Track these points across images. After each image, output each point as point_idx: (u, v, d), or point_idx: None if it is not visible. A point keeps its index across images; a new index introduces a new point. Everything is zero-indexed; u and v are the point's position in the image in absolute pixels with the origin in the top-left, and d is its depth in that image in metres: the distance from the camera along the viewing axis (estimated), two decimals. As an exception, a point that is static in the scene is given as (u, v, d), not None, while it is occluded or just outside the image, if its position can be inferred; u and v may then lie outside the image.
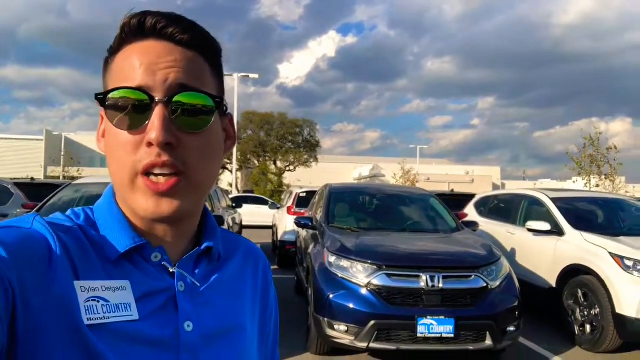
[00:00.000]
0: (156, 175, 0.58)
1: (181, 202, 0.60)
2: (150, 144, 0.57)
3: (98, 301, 0.57)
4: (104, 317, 0.56)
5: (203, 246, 0.69)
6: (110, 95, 0.59)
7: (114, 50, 0.62)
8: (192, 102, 0.60)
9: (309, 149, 42.12)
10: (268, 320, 0.80)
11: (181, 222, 0.64)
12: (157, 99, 0.58)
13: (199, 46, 0.63)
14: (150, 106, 0.58)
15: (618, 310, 4.60)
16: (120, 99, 0.58)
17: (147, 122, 0.58)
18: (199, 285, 0.66)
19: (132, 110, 0.58)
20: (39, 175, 34.24)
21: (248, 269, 0.77)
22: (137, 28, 0.60)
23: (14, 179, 11.76)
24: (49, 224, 0.59)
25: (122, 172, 0.59)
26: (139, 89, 0.58)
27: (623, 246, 4.88)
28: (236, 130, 0.73)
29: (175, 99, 0.58)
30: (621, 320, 4.58)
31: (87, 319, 0.55)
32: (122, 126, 0.58)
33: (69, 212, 0.66)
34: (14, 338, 0.51)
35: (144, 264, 0.63)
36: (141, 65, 0.59)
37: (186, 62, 0.60)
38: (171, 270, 0.65)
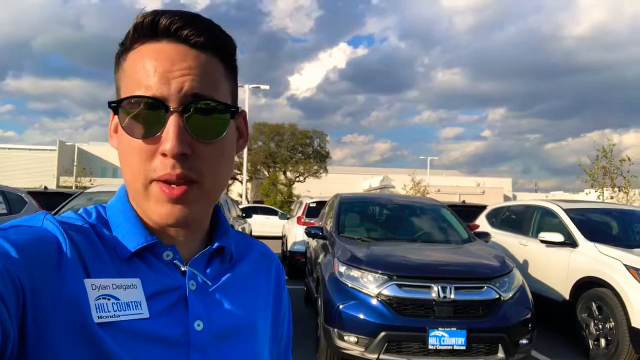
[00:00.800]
0: (170, 183, 0.58)
1: (194, 208, 0.60)
2: (164, 155, 0.57)
3: (109, 299, 0.56)
4: (114, 315, 0.56)
5: (215, 245, 0.68)
6: (124, 103, 0.59)
7: (126, 48, 0.62)
8: (207, 111, 0.59)
9: (319, 160, 42.16)
10: (280, 323, 0.79)
11: (193, 225, 0.65)
12: (171, 108, 0.57)
13: (214, 48, 0.62)
14: (164, 115, 0.57)
15: (634, 324, 4.51)
16: (134, 107, 0.58)
17: (161, 132, 0.57)
18: (210, 284, 0.66)
19: (146, 119, 0.58)
20: (51, 185, 34.66)
21: (261, 271, 0.77)
22: (150, 28, 0.59)
23: (27, 188, 11.91)
24: (59, 223, 0.59)
25: (136, 179, 0.59)
26: (153, 98, 0.57)
27: (638, 258, 4.80)
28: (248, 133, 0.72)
29: (190, 108, 0.58)
30: (637, 334, 4.48)
31: (98, 317, 0.55)
32: (135, 134, 0.58)
33: (81, 211, 0.66)
34: (24, 336, 0.51)
35: (156, 262, 0.63)
36: (155, 72, 0.58)
37: (201, 68, 0.59)
38: (182, 269, 0.64)
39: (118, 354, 0.54)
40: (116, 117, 0.62)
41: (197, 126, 0.58)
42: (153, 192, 0.59)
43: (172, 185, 0.58)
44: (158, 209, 0.59)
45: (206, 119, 0.59)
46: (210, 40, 0.61)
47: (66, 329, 0.52)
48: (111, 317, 0.56)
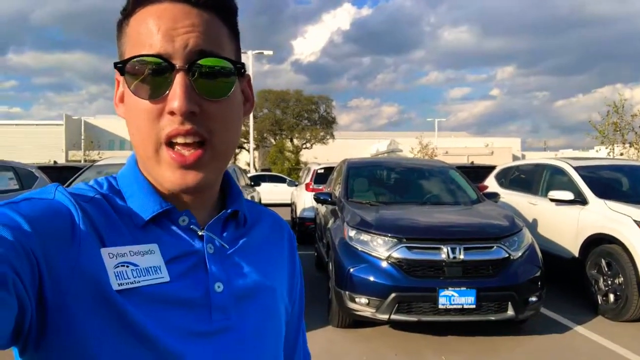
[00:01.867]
0: (180, 144, 0.58)
1: (206, 173, 0.60)
2: (172, 113, 0.57)
3: (127, 266, 0.57)
4: (134, 281, 0.57)
5: (229, 210, 0.69)
6: (129, 64, 0.58)
7: (127, 13, 0.61)
8: (213, 68, 0.59)
9: (325, 126, 41.94)
10: (295, 287, 0.81)
11: (205, 191, 0.65)
12: (177, 66, 0.57)
13: (216, 7, 0.61)
14: (170, 74, 0.57)
15: (643, 279, 4.54)
16: (139, 67, 0.57)
17: (168, 91, 0.57)
18: (227, 247, 0.67)
19: (152, 79, 0.57)
20: (61, 160, 34.91)
21: (274, 237, 0.78)
22: None
23: (37, 163, 12.02)
24: (71, 194, 0.59)
25: (146, 143, 0.59)
26: (158, 56, 0.57)
27: (649, 214, 4.78)
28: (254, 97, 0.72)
29: (196, 65, 0.57)
30: (646, 289, 4.52)
31: (118, 284, 0.55)
32: (142, 95, 0.58)
33: (91, 182, 0.66)
34: (44, 308, 0.52)
35: (173, 228, 0.64)
36: (159, 31, 0.57)
37: (204, 26, 0.59)
38: (200, 234, 0.65)
39: (140, 319, 0.55)
40: (121, 86, 0.62)
41: (204, 84, 0.58)
42: (164, 158, 0.59)
43: (183, 149, 0.58)
44: (170, 175, 0.59)
45: (213, 77, 0.59)
46: (212, 0, 0.60)
47: (86, 298, 0.53)
48: (131, 283, 0.56)
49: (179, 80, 0.57)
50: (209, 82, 0.58)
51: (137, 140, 0.61)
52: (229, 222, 0.70)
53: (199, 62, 0.58)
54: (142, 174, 0.65)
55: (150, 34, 0.58)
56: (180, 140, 0.58)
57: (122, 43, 0.62)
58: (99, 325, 0.53)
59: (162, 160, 0.59)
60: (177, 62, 0.57)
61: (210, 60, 0.58)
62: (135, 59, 0.58)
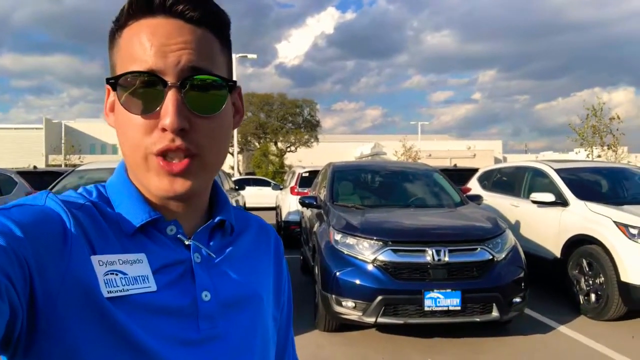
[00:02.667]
0: (170, 158, 0.59)
1: (194, 182, 0.61)
2: (164, 130, 0.57)
3: (116, 274, 0.57)
4: (123, 289, 0.57)
5: (217, 219, 0.70)
6: (121, 80, 0.58)
7: (120, 25, 0.61)
8: (205, 84, 0.59)
9: (309, 129, 41.96)
10: (282, 293, 0.82)
11: (193, 199, 0.65)
12: (169, 83, 0.57)
13: (209, 23, 0.62)
14: (162, 90, 0.57)
15: (623, 278, 4.64)
16: (131, 82, 0.58)
17: (159, 107, 0.57)
18: (214, 256, 0.67)
19: (144, 94, 0.58)
20: (41, 164, 34.29)
21: (261, 243, 0.78)
22: (145, 4, 0.59)
23: (17, 168, 11.79)
24: (62, 201, 0.59)
25: (135, 153, 0.60)
26: (150, 72, 0.57)
27: (628, 215, 4.89)
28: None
29: (188, 82, 0.58)
30: (626, 288, 4.62)
31: (107, 292, 0.56)
32: (134, 110, 0.58)
33: (80, 190, 0.66)
34: (34, 314, 0.52)
35: (160, 237, 0.64)
36: (152, 47, 0.58)
37: (197, 42, 0.59)
38: (187, 243, 0.65)
39: (129, 326, 0.56)
40: (111, 95, 0.62)
41: (195, 101, 0.59)
42: (153, 166, 0.59)
43: (173, 161, 0.58)
44: (158, 182, 0.60)
45: (204, 94, 0.59)
46: (205, 15, 0.61)
47: (76, 305, 0.53)
48: (120, 291, 0.57)
49: (170, 96, 0.57)
50: (201, 99, 0.59)
51: (126, 149, 0.61)
52: (215, 231, 0.70)
53: (191, 78, 0.58)
54: (131, 182, 0.65)
55: (143, 49, 0.58)
56: (171, 155, 0.59)
57: (113, 53, 0.62)
58: (90, 332, 0.54)
59: (151, 168, 0.59)
60: (169, 79, 0.57)
61: (202, 77, 0.59)
62: (127, 75, 0.58)
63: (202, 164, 0.61)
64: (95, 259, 0.57)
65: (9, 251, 0.49)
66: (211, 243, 0.69)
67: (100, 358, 0.54)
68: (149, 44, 0.58)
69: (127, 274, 0.58)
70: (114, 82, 0.59)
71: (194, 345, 0.61)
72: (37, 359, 0.53)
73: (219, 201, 0.72)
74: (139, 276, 0.59)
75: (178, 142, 0.58)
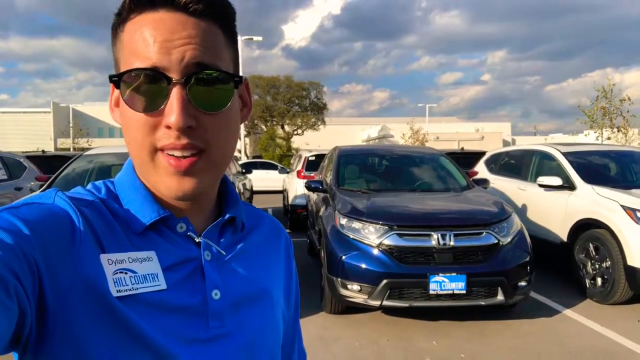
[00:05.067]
0: (177, 155, 0.58)
1: (202, 180, 0.60)
2: (169, 127, 0.56)
3: (126, 273, 0.57)
4: (132, 288, 0.57)
5: (227, 216, 0.69)
6: (124, 77, 0.57)
7: (122, 18, 0.60)
8: (210, 81, 0.58)
9: (316, 112, 41.76)
10: (291, 294, 0.82)
11: (202, 196, 0.65)
12: (174, 79, 0.56)
13: (214, 15, 0.59)
14: (167, 87, 0.56)
15: (629, 262, 4.63)
16: (135, 79, 0.56)
17: (164, 105, 0.56)
18: (224, 254, 0.67)
19: (148, 92, 0.56)
20: (49, 148, 34.54)
21: (271, 242, 0.78)
22: None
23: (25, 152, 11.90)
24: (70, 199, 0.59)
25: (141, 152, 0.59)
26: (154, 69, 0.56)
27: (635, 198, 4.85)
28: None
29: (193, 78, 0.57)
30: (632, 272, 4.61)
31: (117, 290, 0.56)
32: (137, 107, 0.57)
33: (89, 186, 0.65)
34: (44, 313, 0.52)
35: (170, 235, 0.64)
36: (155, 42, 0.56)
37: (201, 36, 0.57)
38: (197, 240, 0.65)
39: (139, 325, 0.55)
40: (116, 90, 0.61)
41: (200, 98, 0.57)
42: (161, 164, 0.58)
43: (180, 158, 0.57)
44: (166, 181, 0.59)
45: (210, 90, 0.58)
46: (209, 7, 0.59)
47: (86, 303, 0.53)
48: (129, 290, 0.56)
49: (175, 94, 0.56)
50: (206, 95, 0.58)
51: (132, 147, 0.60)
52: (226, 228, 0.70)
53: (196, 74, 0.57)
54: (139, 180, 0.65)
55: (146, 45, 0.56)
56: (177, 154, 0.57)
57: (117, 49, 0.61)
58: (99, 330, 0.54)
59: (159, 166, 0.59)
60: (174, 76, 0.56)
61: (207, 73, 0.57)
62: (130, 72, 0.57)
63: (209, 161, 0.60)
64: (104, 257, 0.56)
65: (17, 250, 0.49)
66: (221, 240, 0.68)
67: (110, 357, 0.54)
68: (152, 40, 0.56)
69: (136, 272, 0.58)
70: (117, 79, 0.58)
71: (203, 343, 0.61)
72: (47, 357, 0.53)
73: (229, 197, 0.72)
74: (148, 274, 0.59)
75: (184, 140, 0.56)
